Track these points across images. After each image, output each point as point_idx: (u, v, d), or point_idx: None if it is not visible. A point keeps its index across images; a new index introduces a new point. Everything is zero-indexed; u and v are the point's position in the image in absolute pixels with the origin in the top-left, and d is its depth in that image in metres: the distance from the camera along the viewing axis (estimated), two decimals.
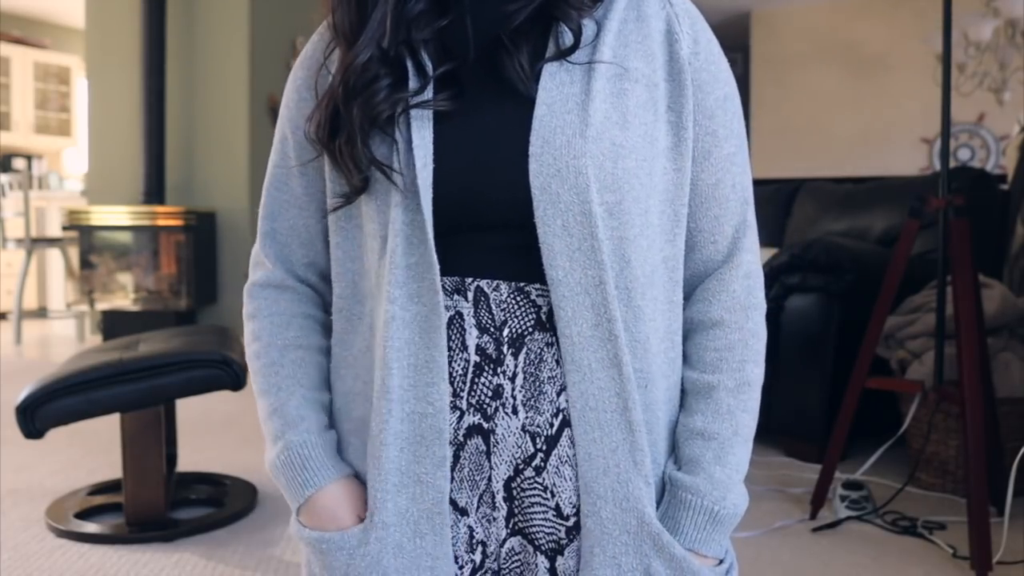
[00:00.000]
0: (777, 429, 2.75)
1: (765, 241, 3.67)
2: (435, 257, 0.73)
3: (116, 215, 4.97)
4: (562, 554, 0.77)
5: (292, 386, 0.83)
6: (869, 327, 2.07)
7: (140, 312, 5.01)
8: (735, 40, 8.86)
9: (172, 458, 2.28)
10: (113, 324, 5.00)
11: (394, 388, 0.75)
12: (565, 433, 0.76)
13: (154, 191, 5.03)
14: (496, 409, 0.77)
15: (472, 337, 0.77)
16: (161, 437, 2.02)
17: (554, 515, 0.77)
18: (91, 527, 2.01)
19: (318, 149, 0.79)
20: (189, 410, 3.32)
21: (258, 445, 2.83)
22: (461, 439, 0.78)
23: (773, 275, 2.70)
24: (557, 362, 0.76)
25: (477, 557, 0.80)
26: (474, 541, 0.79)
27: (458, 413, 0.78)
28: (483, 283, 0.77)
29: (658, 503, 0.78)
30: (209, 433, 2.99)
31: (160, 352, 2.00)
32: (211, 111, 5.23)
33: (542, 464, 0.77)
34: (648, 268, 0.76)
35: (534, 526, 0.78)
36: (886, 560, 1.87)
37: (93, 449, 2.75)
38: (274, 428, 0.82)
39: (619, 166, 0.73)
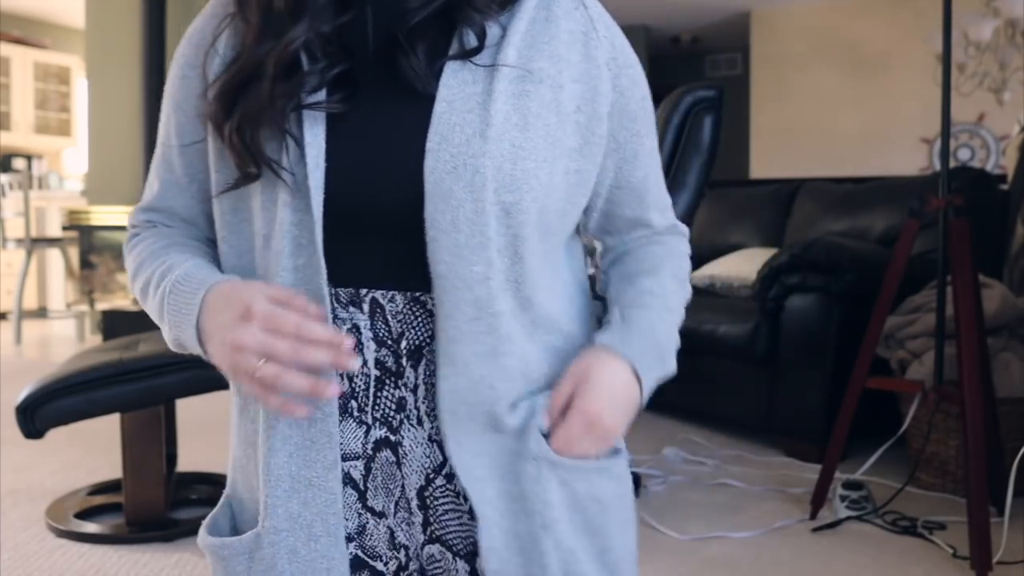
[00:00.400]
0: (777, 429, 2.75)
1: (765, 241, 3.67)
2: (323, 262, 0.72)
3: (116, 215, 4.97)
4: (480, 555, 0.76)
5: (176, 256, 0.80)
6: (869, 327, 2.07)
7: (140, 312, 5.01)
8: (735, 40, 8.86)
9: (172, 458, 2.28)
10: (113, 324, 5.00)
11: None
12: None
13: None
14: (401, 421, 0.77)
15: (371, 351, 0.77)
16: (161, 437, 2.02)
17: (468, 518, 0.77)
18: (91, 527, 2.01)
19: (206, 131, 0.77)
20: (189, 410, 3.32)
21: None
22: (371, 452, 0.78)
23: (773, 275, 2.70)
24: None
25: (401, 556, 0.80)
26: (396, 543, 0.80)
27: (364, 427, 0.78)
28: (378, 294, 0.75)
29: None
30: (209, 433, 2.99)
31: (160, 352, 2.00)
32: None
33: (452, 471, 0.76)
34: (542, 259, 0.76)
35: (450, 532, 0.78)
36: (886, 560, 1.87)
37: (93, 449, 2.75)
38: (156, 285, 0.78)
39: (518, 167, 0.72)
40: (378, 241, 0.74)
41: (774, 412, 2.74)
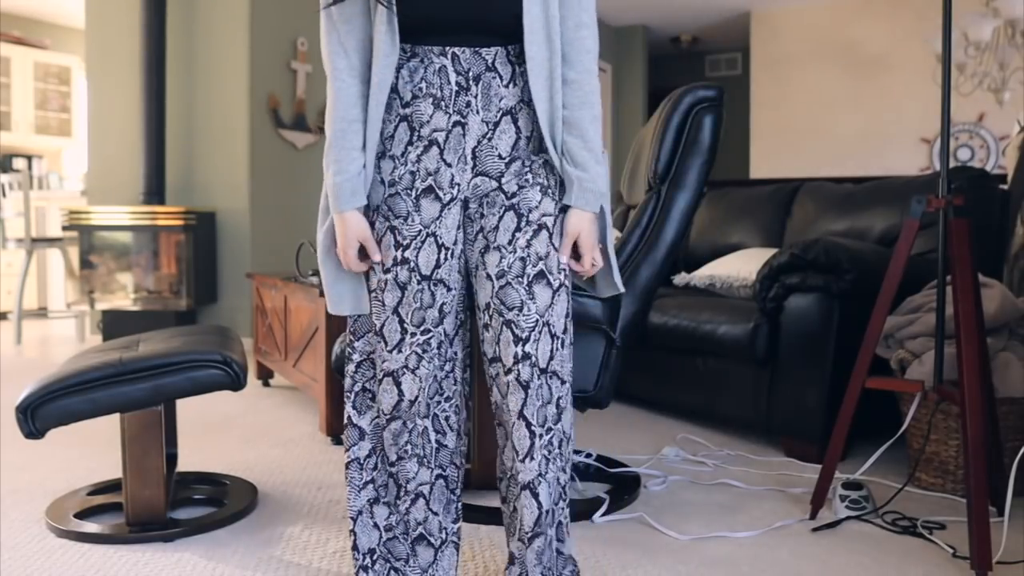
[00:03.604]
0: (777, 429, 2.76)
1: (765, 241, 3.67)
2: (398, 40, 1.37)
3: (116, 215, 4.97)
4: (503, 176, 1.42)
5: (348, 148, 1.41)
6: (869, 327, 2.07)
7: (140, 312, 5.01)
8: (735, 40, 8.86)
9: (172, 458, 2.28)
10: (113, 324, 5.01)
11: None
12: (504, 119, 1.40)
13: (154, 191, 5.03)
14: (467, 113, 1.39)
15: (452, 75, 1.38)
16: (161, 437, 2.02)
17: (497, 159, 1.41)
18: (91, 527, 2.01)
19: None
20: (189, 410, 3.32)
21: (258, 445, 2.83)
22: (450, 128, 1.39)
23: (773, 275, 2.70)
24: (500, 87, 1.40)
25: (454, 191, 1.42)
26: (453, 181, 1.41)
27: (448, 115, 1.39)
28: (455, 49, 1.38)
29: None
30: (209, 433, 2.99)
31: (160, 352, 2.00)
32: (211, 111, 5.23)
33: (491, 136, 1.40)
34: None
35: (488, 167, 1.42)
36: (886, 560, 1.87)
37: (93, 449, 2.75)
38: (332, 171, 1.41)
39: None
40: (460, 34, 1.38)
41: (774, 412, 2.74)
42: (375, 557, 1.52)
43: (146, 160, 5.01)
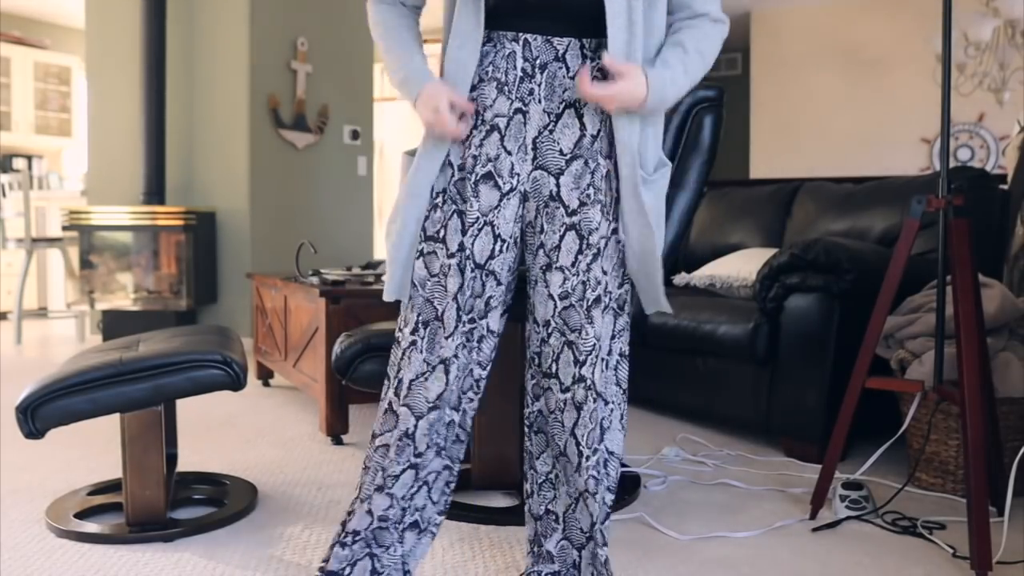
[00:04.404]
0: (777, 429, 2.76)
1: (765, 241, 3.67)
2: (483, 18, 1.37)
3: (116, 215, 4.97)
4: (563, 175, 1.42)
5: (403, 46, 1.46)
6: (869, 327, 2.07)
7: (140, 312, 5.01)
8: (735, 40, 8.85)
9: (172, 458, 2.28)
10: (113, 324, 5.01)
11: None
12: (567, 112, 1.41)
13: (154, 191, 5.03)
14: (529, 101, 1.40)
15: (520, 61, 1.40)
16: (161, 437, 2.02)
17: (559, 154, 1.42)
18: (91, 527, 2.01)
19: None
20: (189, 410, 3.32)
21: (258, 445, 2.83)
22: (511, 114, 1.41)
23: (773, 275, 2.70)
24: (565, 79, 1.40)
25: (513, 181, 1.42)
26: (513, 170, 1.42)
27: (510, 101, 1.40)
28: (528, 36, 1.39)
29: None
30: (209, 433, 2.99)
31: (160, 352, 2.00)
32: (211, 111, 5.23)
33: (553, 128, 1.41)
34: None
35: (548, 161, 1.42)
36: (886, 560, 1.87)
37: (93, 449, 2.75)
38: (394, 70, 1.44)
39: None
40: (536, 19, 1.39)
41: (774, 412, 2.74)
42: (357, 538, 1.51)
43: (146, 160, 5.01)
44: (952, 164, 6.39)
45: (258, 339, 3.94)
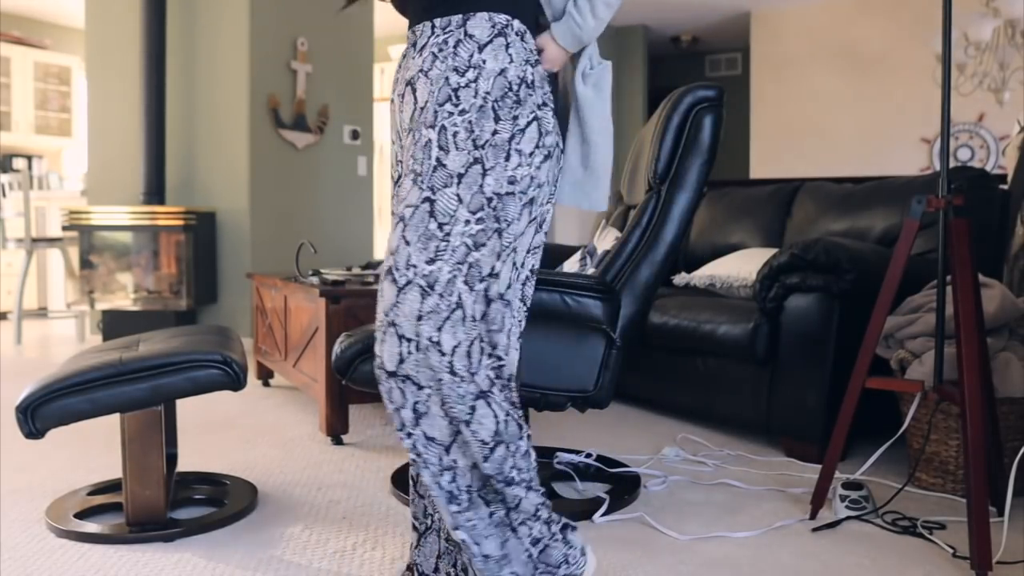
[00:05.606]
0: (777, 429, 2.76)
1: (765, 241, 3.67)
2: None
3: (116, 215, 4.97)
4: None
5: None
6: (869, 327, 2.07)
7: (140, 312, 5.02)
8: (735, 40, 8.86)
9: (172, 458, 2.28)
10: (113, 324, 5.01)
11: None
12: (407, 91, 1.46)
13: (154, 191, 5.03)
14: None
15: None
16: (161, 437, 2.02)
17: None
18: (91, 527, 2.01)
19: None
20: (189, 410, 3.32)
21: (258, 445, 2.83)
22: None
23: (773, 275, 2.70)
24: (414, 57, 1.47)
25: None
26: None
27: None
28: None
29: None
30: (209, 433, 2.99)
31: (160, 352, 2.00)
32: (211, 111, 5.23)
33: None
34: None
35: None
36: (886, 560, 1.87)
37: (93, 449, 2.75)
38: None
39: None
40: None
41: (774, 412, 2.74)
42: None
43: (146, 160, 5.01)
44: (952, 164, 6.39)
45: (258, 339, 3.94)
